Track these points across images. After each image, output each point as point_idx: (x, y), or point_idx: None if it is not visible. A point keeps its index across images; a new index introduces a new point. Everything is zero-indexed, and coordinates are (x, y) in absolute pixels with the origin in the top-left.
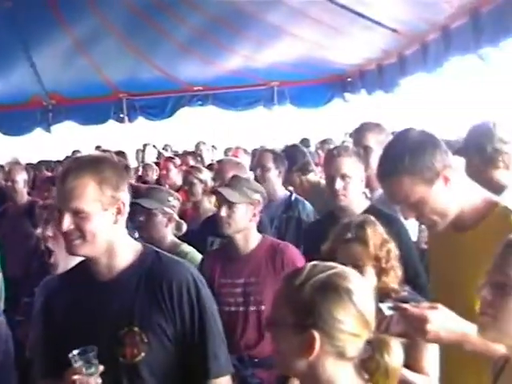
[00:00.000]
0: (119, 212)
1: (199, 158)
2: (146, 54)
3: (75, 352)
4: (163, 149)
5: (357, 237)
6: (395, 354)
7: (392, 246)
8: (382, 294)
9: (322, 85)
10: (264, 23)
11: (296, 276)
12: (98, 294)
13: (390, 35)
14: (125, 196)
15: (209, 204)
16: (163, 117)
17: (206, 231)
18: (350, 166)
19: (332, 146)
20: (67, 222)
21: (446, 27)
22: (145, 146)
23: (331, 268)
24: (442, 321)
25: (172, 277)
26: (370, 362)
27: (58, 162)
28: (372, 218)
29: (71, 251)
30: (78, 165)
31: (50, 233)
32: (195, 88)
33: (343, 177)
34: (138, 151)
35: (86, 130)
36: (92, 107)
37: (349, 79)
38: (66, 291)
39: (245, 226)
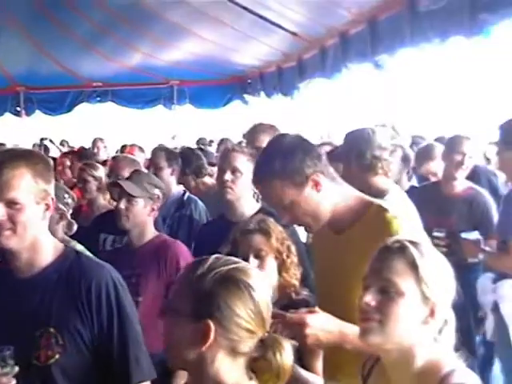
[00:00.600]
0: (48, 208)
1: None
2: (46, 47)
3: None
4: (60, 144)
5: (259, 227)
6: (287, 354)
7: (292, 244)
8: (284, 293)
9: (221, 85)
10: (165, 22)
11: (198, 266)
12: (15, 291)
13: (290, 38)
14: (53, 193)
15: (103, 201)
16: (61, 112)
17: (98, 228)
18: (243, 162)
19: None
20: (0, 213)
21: (344, 33)
22: (42, 140)
23: (234, 262)
24: (321, 324)
25: (91, 278)
26: (261, 361)
27: None
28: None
29: (1, 242)
30: (13, 156)
31: None
32: (94, 84)
33: (234, 171)
34: (34, 146)
35: None
36: None
37: (249, 81)
38: None
39: (142, 221)
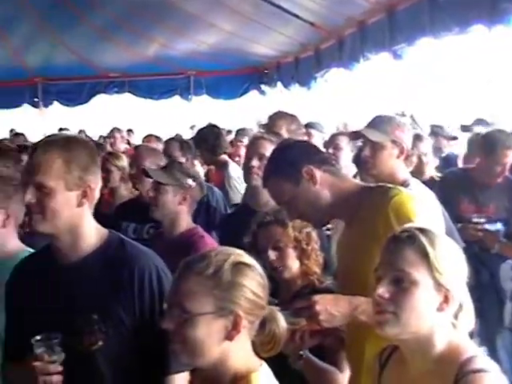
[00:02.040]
0: (85, 195)
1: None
2: (64, 39)
3: (37, 338)
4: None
5: (275, 219)
6: (283, 322)
7: (312, 230)
8: (307, 281)
9: (238, 76)
10: (183, 12)
11: (205, 266)
12: (59, 277)
13: (307, 29)
14: (94, 180)
15: (125, 191)
16: (79, 102)
17: (120, 216)
18: (270, 149)
19: (249, 136)
20: (29, 196)
21: (362, 23)
22: (60, 130)
23: (230, 250)
24: (329, 299)
25: (134, 265)
26: (262, 334)
27: None
28: None
29: (31, 226)
30: (49, 141)
31: None
32: (112, 75)
33: (260, 158)
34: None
35: (0, 113)
36: (6, 91)
37: (266, 71)
38: (30, 273)
39: (172, 210)
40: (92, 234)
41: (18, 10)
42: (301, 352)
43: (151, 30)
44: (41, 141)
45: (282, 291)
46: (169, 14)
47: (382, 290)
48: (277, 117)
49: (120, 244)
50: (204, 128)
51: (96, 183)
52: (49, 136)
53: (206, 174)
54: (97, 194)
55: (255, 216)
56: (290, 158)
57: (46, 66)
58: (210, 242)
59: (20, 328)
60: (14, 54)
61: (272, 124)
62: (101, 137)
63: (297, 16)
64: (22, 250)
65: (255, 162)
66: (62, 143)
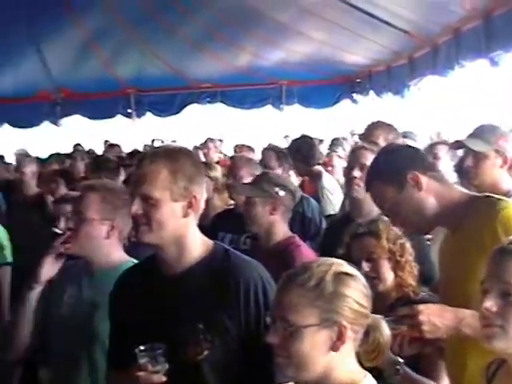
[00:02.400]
0: (190, 206)
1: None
2: (155, 50)
3: (141, 348)
4: None
5: (369, 230)
6: (387, 330)
7: (406, 242)
8: (401, 293)
9: (330, 85)
10: (273, 21)
11: (307, 278)
12: (164, 287)
13: (400, 37)
14: (199, 191)
15: (219, 202)
16: (171, 113)
17: (216, 227)
18: (371, 159)
19: (343, 146)
20: (135, 207)
21: (457, 30)
22: (153, 141)
23: (331, 261)
24: (433, 310)
25: (240, 276)
26: (366, 343)
27: (67, 155)
28: (385, 217)
29: (138, 237)
30: (155, 152)
31: (68, 225)
32: (203, 85)
33: (362, 168)
34: (145, 147)
35: (94, 124)
36: (100, 102)
37: (357, 80)
38: (134, 284)
39: (265, 221)
40: (197, 244)
41: (110, 22)
42: (397, 367)
43: (242, 39)
44: (147, 152)
45: (376, 303)
46: (259, 23)
47: (490, 304)
48: (374, 126)
49: (225, 254)
50: (298, 139)
51: (201, 194)
52: (157, 146)
53: (301, 185)
54: (202, 205)
55: (348, 228)
56: (395, 162)
57: (139, 77)
58: (307, 251)
59: (123, 337)
60: (106, 65)
61: (369, 133)
62: (194, 147)
63: (389, 24)
64: (126, 261)
65: (357, 173)
66: (167, 154)
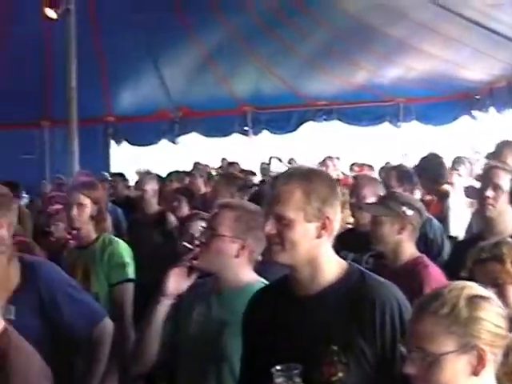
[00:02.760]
0: (324, 227)
1: None
2: (272, 68)
3: (278, 367)
4: (288, 163)
5: (492, 255)
6: None
7: None
8: None
9: (449, 102)
10: (390, 38)
11: (440, 305)
12: (297, 308)
13: None
14: (333, 212)
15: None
16: (287, 131)
17: (338, 246)
18: (504, 179)
19: (465, 165)
20: (269, 227)
21: None
22: (271, 159)
23: (462, 284)
24: None
25: (375, 298)
26: (507, 364)
27: (186, 173)
28: (509, 239)
29: (270, 257)
30: (289, 173)
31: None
32: (320, 102)
33: (495, 188)
34: (262, 164)
35: (210, 141)
36: (217, 120)
37: (477, 96)
38: (267, 305)
39: (391, 240)
40: (331, 265)
41: (227, 40)
42: None
43: (359, 56)
44: (281, 172)
45: None
46: (376, 40)
47: None
48: (504, 145)
49: (360, 276)
50: (426, 157)
51: (335, 215)
52: (292, 167)
53: (426, 205)
54: (336, 226)
55: (470, 252)
56: None
57: (255, 95)
58: (435, 271)
59: (256, 358)
60: (223, 83)
61: (499, 153)
62: (291, 160)
63: (510, 39)
64: (256, 281)
65: (490, 192)
66: (302, 174)
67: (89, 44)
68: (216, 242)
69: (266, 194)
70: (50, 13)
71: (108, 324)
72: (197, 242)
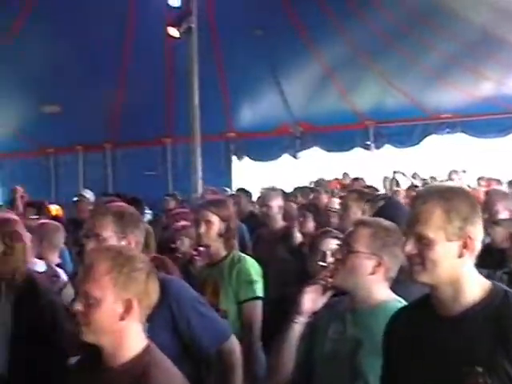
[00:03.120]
0: (465, 246)
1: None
2: (394, 81)
3: None
4: (412, 177)
5: None
6: None
7: None
8: None
9: None
10: None
11: None
12: (439, 329)
13: None
14: (474, 231)
15: None
16: (410, 144)
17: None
18: None
19: None
20: (409, 246)
21: None
22: (395, 173)
23: None
24: None
25: None
26: None
27: (310, 188)
28: None
29: (411, 277)
30: (428, 191)
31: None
32: (443, 115)
33: None
34: (385, 179)
35: (331, 156)
36: (339, 135)
37: None
38: (409, 323)
39: None
40: (474, 285)
41: (348, 52)
42: None
43: (484, 67)
44: (421, 191)
45: None
46: (503, 49)
47: None
48: None
49: (504, 296)
50: None
51: (477, 233)
52: (430, 186)
53: None
54: (478, 245)
55: None
56: None
57: (377, 109)
58: None
59: (397, 377)
60: (344, 98)
61: None
62: (432, 178)
63: None
64: (392, 299)
65: None
66: (441, 193)
67: (210, 61)
68: (352, 258)
69: (408, 213)
70: (173, 31)
71: (235, 343)
72: (330, 260)
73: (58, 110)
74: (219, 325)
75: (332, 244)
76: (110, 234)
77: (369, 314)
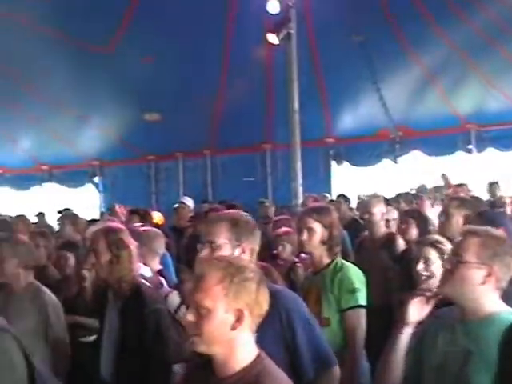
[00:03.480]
0: None
1: None
2: (497, 83)
3: None
4: None
5: None
6: None
7: None
8: None
9: None
10: None
11: None
12: None
13: None
14: None
15: None
16: None
17: None
18: None
19: None
20: None
21: None
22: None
23: None
24: None
25: None
26: None
27: (414, 195)
28: None
29: None
30: None
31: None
32: None
33: None
34: (490, 184)
35: (431, 160)
36: (439, 139)
37: None
38: None
39: None
40: None
41: (450, 56)
42: None
43: None
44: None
45: None
46: None
47: None
48: None
49: None
50: None
51: None
52: None
53: None
54: None
55: None
56: None
57: (479, 112)
58: None
59: None
60: (445, 102)
61: None
62: None
63: None
64: (504, 310)
65: None
66: None
67: (309, 67)
68: (461, 268)
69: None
70: (272, 38)
71: (337, 373)
72: (433, 269)
73: (159, 118)
74: (323, 348)
75: (431, 253)
76: (224, 241)
77: (480, 325)
